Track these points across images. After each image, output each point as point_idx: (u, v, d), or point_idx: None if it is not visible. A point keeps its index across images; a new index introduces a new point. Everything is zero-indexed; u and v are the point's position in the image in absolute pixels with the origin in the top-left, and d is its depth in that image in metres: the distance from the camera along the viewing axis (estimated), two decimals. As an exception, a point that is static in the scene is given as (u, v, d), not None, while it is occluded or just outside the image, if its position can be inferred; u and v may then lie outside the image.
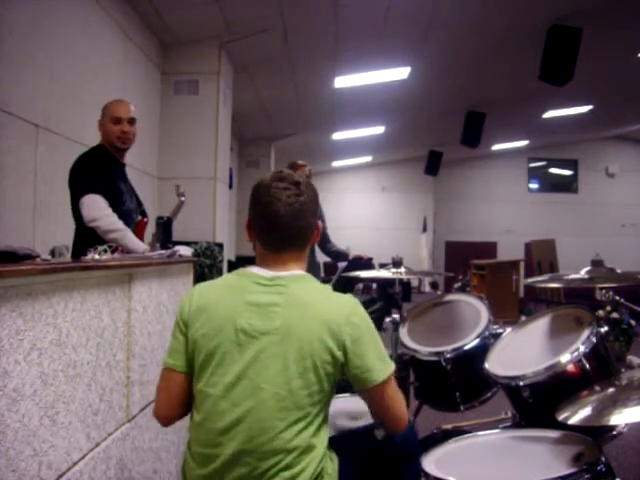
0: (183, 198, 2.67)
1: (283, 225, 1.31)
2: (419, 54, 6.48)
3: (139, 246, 2.33)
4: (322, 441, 1.29)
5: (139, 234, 2.51)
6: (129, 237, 2.30)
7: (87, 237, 2.26)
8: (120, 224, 2.28)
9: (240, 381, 1.24)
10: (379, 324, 6.29)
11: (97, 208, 2.25)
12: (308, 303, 1.28)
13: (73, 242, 2.40)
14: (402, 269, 2.50)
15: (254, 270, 1.34)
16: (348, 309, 1.29)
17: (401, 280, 2.73)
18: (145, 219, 2.61)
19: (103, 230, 2.24)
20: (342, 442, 1.39)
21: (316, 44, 6.00)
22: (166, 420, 1.37)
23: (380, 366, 1.29)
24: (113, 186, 2.38)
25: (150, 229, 2.63)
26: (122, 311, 1.63)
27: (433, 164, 12.15)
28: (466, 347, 2.26)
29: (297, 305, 1.28)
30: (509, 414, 2.11)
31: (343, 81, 7.13)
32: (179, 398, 1.33)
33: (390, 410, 1.33)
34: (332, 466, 1.32)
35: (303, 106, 8.39)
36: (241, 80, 6.29)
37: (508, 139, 13.26)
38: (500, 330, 2.28)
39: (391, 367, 1.31)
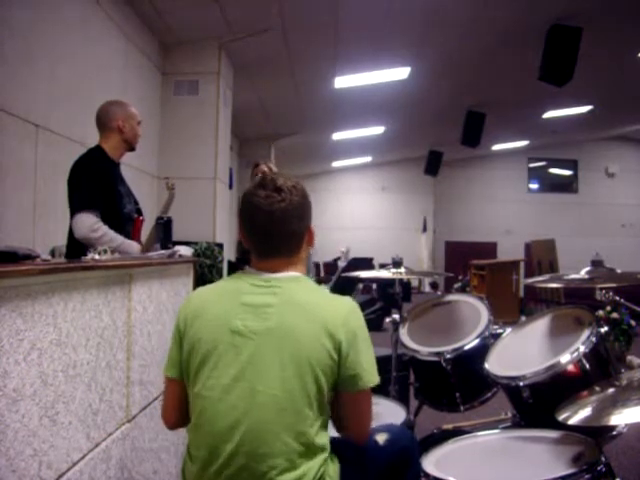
0: (174, 191, 2.67)
1: (265, 234, 1.31)
2: (419, 54, 6.48)
3: (132, 249, 2.34)
4: (323, 444, 1.28)
5: (136, 233, 2.51)
6: (121, 248, 2.29)
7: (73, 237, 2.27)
8: (109, 243, 2.24)
9: (237, 383, 1.23)
10: (379, 324, 6.30)
11: (89, 230, 2.22)
12: (304, 304, 1.28)
13: (67, 240, 2.39)
14: (402, 269, 2.50)
15: (250, 272, 1.35)
16: (346, 310, 1.29)
17: (401, 280, 2.73)
18: (141, 217, 2.61)
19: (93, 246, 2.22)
20: (343, 446, 1.38)
21: (316, 44, 6.00)
22: (170, 424, 1.42)
23: (371, 373, 1.29)
24: (113, 192, 2.39)
25: (146, 228, 2.63)
26: (122, 311, 1.63)
27: (433, 164, 12.14)
28: (466, 347, 2.26)
29: (292, 306, 1.27)
30: (509, 414, 2.11)
31: (343, 81, 7.13)
32: (179, 405, 1.36)
33: (361, 420, 1.34)
34: (334, 468, 1.31)
35: (303, 106, 8.39)
36: (241, 80, 6.29)
37: (508, 139, 13.26)
38: (500, 330, 2.28)
39: (378, 378, 1.31)
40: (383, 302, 7.68)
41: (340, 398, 1.31)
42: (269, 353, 1.23)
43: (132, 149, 2.55)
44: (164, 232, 2.41)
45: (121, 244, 2.29)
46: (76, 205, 2.28)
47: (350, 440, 1.36)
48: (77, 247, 2.22)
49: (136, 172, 4.65)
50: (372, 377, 1.29)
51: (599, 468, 1.36)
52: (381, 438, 1.41)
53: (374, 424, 1.50)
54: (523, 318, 2.32)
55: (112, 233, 2.28)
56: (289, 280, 1.32)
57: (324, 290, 1.37)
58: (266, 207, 1.29)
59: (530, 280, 2.50)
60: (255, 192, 1.32)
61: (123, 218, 2.41)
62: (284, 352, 1.23)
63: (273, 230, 1.31)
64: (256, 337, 1.24)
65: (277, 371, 1.22)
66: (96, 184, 2.30)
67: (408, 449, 1.47)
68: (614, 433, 1.76)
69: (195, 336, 1.29)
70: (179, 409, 1.36)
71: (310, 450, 1.24)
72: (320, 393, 1.25)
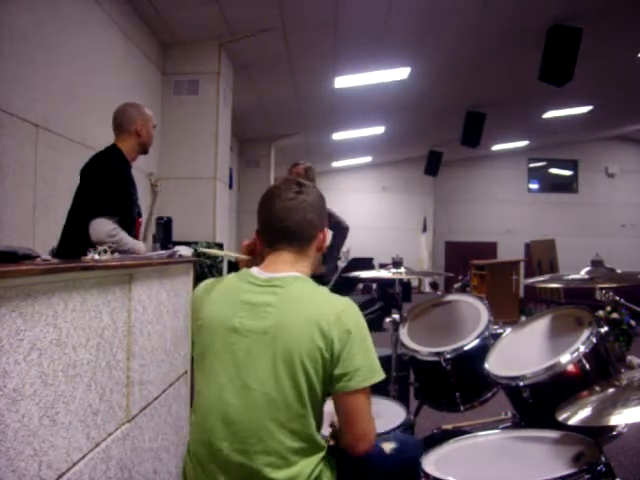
0: (157, 189, 2.68)
1: (280, 219, 1.35)
2: (419, 54, 6.48)
3: (139, 248, 2.35)
4: (318, 444, 1.27)
5: (136, 233, 2.52)
6: (130, 249, 2.29)
7: (78, 234, 2.26)
8: (123, 246, 2.25)
9: (232, 381, 1.24)
10: (379, 324, 6.31)
11: (106, 235, 2.23)
12: (300, 302, 1.28)
13: (61, 236, 2.39)
14: (402, 269, 2.50)
15: (252, 271, 1.36)
16: (340, 308, 1.27)
17: (401, 280, 2.72)
18: (140, 218, 2.62)
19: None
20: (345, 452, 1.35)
21: (316, 44, 6.00)
22: None
23: (365, 372, 1.24)
24: (130, 196, 2.40)
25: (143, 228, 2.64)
26: (122, 311, 1.63)
27: (433, 164, 12.15)
28: (466, 347, 2.26)
29: (290, 305, 1.27)
30: (509, 414, 2.11)
31: (343, 81, 7.13)
32: None
33: (357, 424, 1.26)
34: (332, 472, 1.30)
35: (303, 106, 8.38)
36: (241, 80, 6.29)
37: (508, 139, 13.26)
38: (500, 330, 2.27)
39: (378, 376, 1.26)
40: (383, 302, 7.67)
41: (335, 401, 1.29)
42: (262, 351, 1.24)
43: (145, 152, 2.57)
44: (164, 232, 2.42)
45: (132, 247, 2.32)
46: (97, 208, 2.27)
47: (349, 452, 1.29)
48: (72, 246, 2.23)
49: (135, 172, 4.64)
50: (367, 376, 1.24)
51: (599, 468, 1.36)
52: (387, 447, 1.38)
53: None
54: (523, 318, 2.32)
55: (126, 237, 2.30)
56: (290, 280, 1.32)
57: (324, 289, 1.35)
58: (285, 194, 1.36)
59: (530, 280, 2.49)
60: (277, 185, 1.40)
61: (132, 220, 2.43)
62: (277, 350, 1.23)
63: (289, 215, 1.34)
64: (251, 335, 1.25)
65: (270, 368, 1.23)
66: (118, 189, 2.32)
67: (415, 459, 1.44)
68: (614, 433, 1.76)
69: (201, 319, 1.33)
70: None
71: (306, 448, 1.24)
72: (312, 391, 1.24)
